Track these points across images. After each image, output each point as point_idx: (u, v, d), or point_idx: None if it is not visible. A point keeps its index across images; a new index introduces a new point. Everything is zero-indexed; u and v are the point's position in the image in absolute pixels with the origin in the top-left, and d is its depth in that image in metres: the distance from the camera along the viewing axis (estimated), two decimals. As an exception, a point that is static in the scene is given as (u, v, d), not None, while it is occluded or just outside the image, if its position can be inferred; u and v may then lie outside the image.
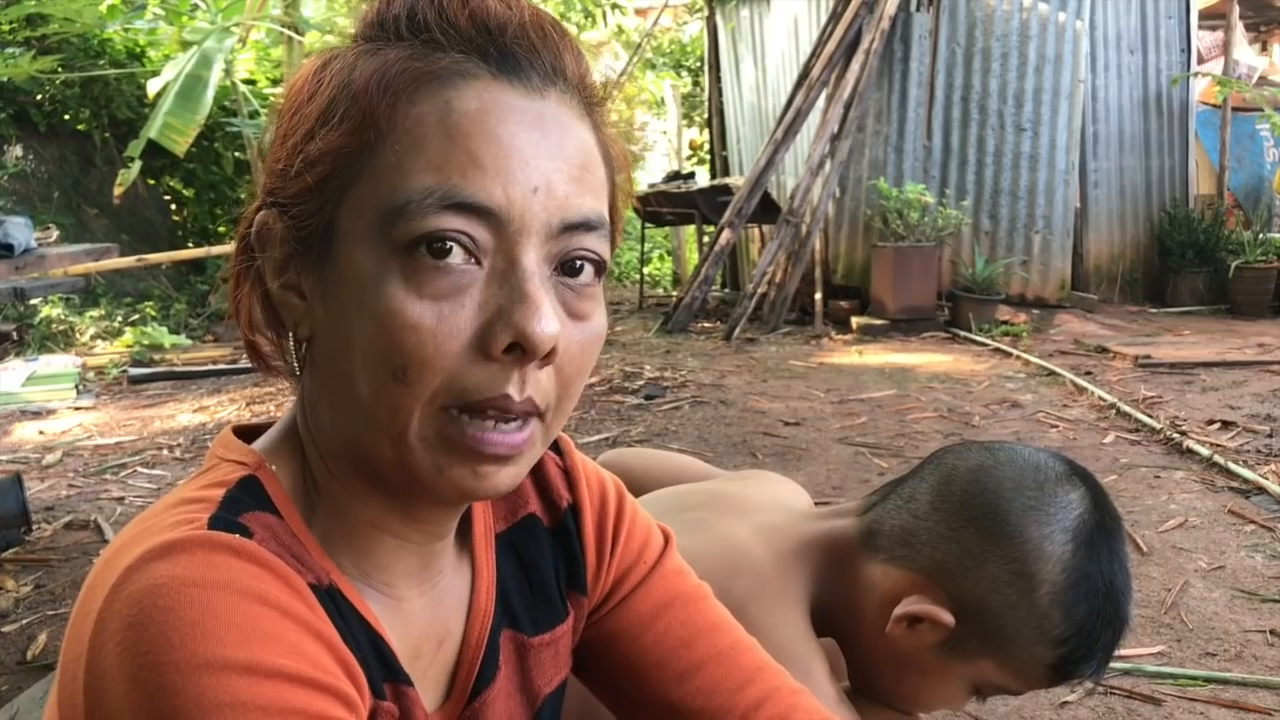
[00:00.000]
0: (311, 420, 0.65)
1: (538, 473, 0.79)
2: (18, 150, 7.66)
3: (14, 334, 6.21)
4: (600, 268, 0.62)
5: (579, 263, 0.60)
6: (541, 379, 0.59)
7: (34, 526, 3.10)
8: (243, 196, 8.25)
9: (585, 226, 0.60)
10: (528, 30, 0.60)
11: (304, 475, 0.65)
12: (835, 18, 6.94)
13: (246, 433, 0.69)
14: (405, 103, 0.58)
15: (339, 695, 0.56)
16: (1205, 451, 3.70)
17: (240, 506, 0.60)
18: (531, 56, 0.60)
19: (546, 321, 0.57)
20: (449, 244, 0.56)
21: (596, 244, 0.61)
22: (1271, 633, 2.35)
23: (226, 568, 0.55)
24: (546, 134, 0.59)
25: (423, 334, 0.56)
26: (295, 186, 0.60)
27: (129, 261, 5.86)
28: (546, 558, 0.78)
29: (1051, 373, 5.23)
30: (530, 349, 0.57)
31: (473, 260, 0.57)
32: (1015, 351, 5.79)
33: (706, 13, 9.31)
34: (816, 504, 1.36)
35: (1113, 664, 1.08)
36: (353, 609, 0.63)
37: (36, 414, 4.78)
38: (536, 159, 0.58)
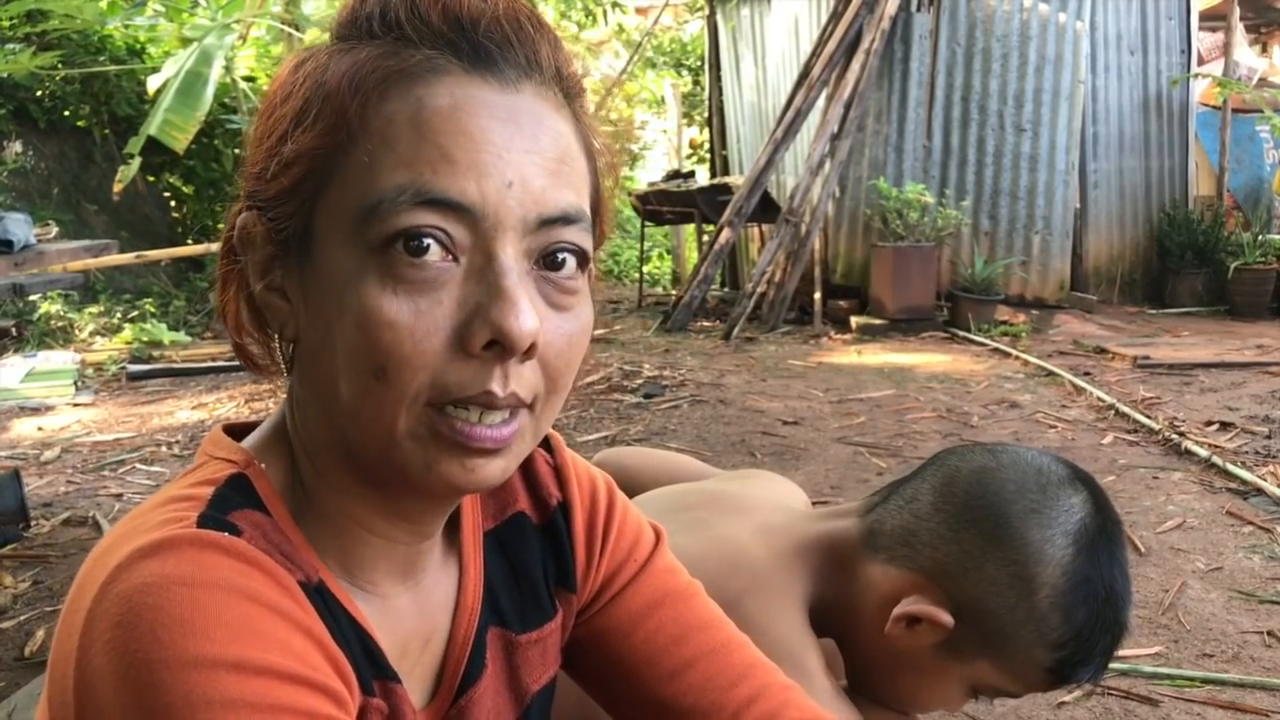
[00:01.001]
0: (299, 419, 0.65)
1: (527, 470, 0.79)
2: (17, 146, 7.65)
3: (13, 330, 6.20)
4: (583, 259, 0.61)
5: (560, 255, 0.60)
6: (525, 373, 0.59)
7: (32, 522, 3.10)
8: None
9: (564, 220, 0.59)
10: (502, 23, 0.59)
11: (292, 473, 0.65)
12: (835, 17, 6.94)
13: (238, 430, 0.69)
14: (376, 101, 0.57)
15: (328, 692, 0.56)
16: (1204, 452, 3.70)
17: (229, 504, 0.60)
18: (505, 49, 0.59)
19: (524, 317, 0.56)
20: (425, 240, 0.56)
21: (577, 236, 0.60)
22: (1269, 634, 2.35)
23: (215, 566, 0.55)
24: (521, 127, 0.58)
25: (400, 331, 0.56)
26: (273, 189, 0.60)
27: (128, 258, 5.84)
28: (535, 555, 0.78)
29: (1050, 373, 5.23)
30: (509, 345, 0.56)
31: (450, 257, 0.57)
32: (1014, 352, 5.79)
33: (707, 12, 9.31)
34: (815, 504, 1.36)
35: (1110, 665, 1.08)
36: (341, 607, 0.63)
37: (35, 410, 4.78)
38: (510, 153, 0.57)
